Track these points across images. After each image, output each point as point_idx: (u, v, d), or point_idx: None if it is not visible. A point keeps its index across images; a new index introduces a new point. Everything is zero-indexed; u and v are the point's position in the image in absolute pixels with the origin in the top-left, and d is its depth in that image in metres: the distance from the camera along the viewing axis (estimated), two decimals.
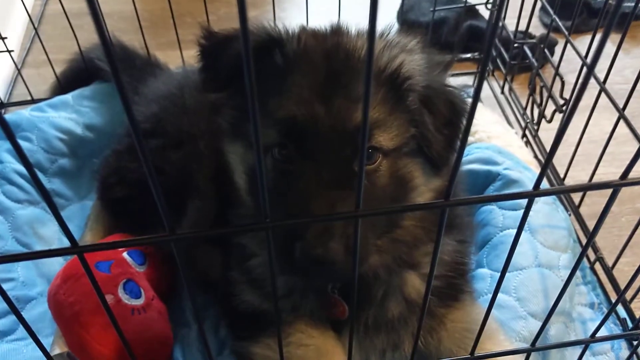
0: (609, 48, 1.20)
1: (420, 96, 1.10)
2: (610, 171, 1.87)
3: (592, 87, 0.66)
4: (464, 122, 1.14)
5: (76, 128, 1.99)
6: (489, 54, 0.55)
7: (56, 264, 1.66)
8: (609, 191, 0.78)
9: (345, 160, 1.04)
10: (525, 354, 1.12)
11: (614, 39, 2.68)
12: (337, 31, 1.18)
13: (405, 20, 2.86)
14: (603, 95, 1.62)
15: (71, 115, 2.01)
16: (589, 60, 0.49)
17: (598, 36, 1.61)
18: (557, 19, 1.88)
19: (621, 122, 1.55)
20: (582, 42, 1.75)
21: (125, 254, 1.52)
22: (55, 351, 1.37)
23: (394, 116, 1.09)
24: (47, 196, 0.61)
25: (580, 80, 1.74)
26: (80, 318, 1.32)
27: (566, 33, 1.78)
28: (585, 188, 0.70)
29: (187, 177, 1.54)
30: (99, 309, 1.30)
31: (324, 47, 1.12)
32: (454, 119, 1.13)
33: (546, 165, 0.67)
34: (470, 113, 0.63)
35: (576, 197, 1.88)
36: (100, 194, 1.74)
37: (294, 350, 1.23)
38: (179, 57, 2.29)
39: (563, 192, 0.64)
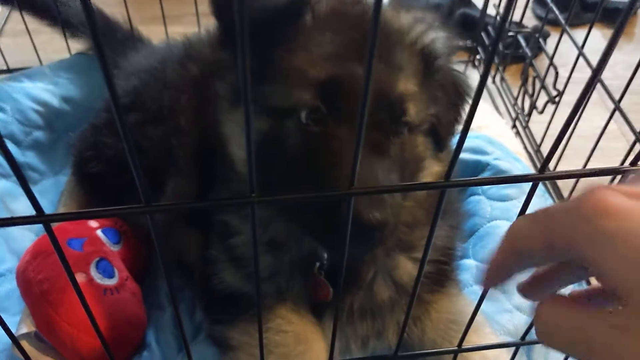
0: (601, 43, 1.17)
1: (438, 75, 1.10)
2: (599, 167, 1.85)
3: (584, 82, 0.63)
4: (466, 106, 1.16)
5: (53, 100, 1.91)
6: (496, 47, 0.51)
7: (27, 240, 1.58)
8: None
9: (382, 126, 1.01)
10: (509, 348, 1.10)
11: (606, 34, 2.68)
12: (359, 1, 1.13)
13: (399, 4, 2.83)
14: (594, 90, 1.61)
15: (48, 86, 1.93)
16: (595, 63, 0.47)
17: (593, 31, 1.60)
18: (555, 8, 1.85)
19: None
20: (574, 35, 1.73)
21: (99, 232, 1.45)
22: (22, 330, 1.31)
23: (422, 91, 1.07)
24: (13, 164, 0.55)
25: (573, 75, 1.73)
26: (49, 297, 1.25)
27: (563, 22, 1.74)
28: (595, 173, 0.66)
29: (167, 155, 1.48)
30: (69, 287, 1.23)
31: (354, 12, 1.08)
32: (458, 102, 1.14)
33: (556, 145, 0.63)
34: (474, 102, 0.58)
35: (564, 191, 1.85)
36: (75, 169, 1.67)
37: (273, 336, 1.18)
38: (163, 33, 2.21)
39: (570, 177, 0.62)
